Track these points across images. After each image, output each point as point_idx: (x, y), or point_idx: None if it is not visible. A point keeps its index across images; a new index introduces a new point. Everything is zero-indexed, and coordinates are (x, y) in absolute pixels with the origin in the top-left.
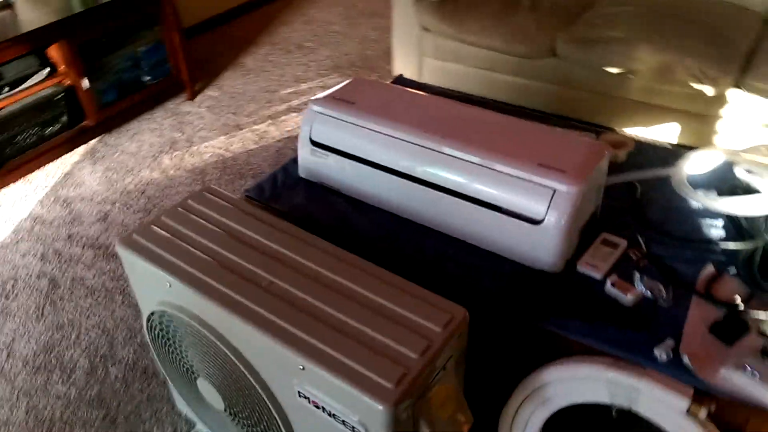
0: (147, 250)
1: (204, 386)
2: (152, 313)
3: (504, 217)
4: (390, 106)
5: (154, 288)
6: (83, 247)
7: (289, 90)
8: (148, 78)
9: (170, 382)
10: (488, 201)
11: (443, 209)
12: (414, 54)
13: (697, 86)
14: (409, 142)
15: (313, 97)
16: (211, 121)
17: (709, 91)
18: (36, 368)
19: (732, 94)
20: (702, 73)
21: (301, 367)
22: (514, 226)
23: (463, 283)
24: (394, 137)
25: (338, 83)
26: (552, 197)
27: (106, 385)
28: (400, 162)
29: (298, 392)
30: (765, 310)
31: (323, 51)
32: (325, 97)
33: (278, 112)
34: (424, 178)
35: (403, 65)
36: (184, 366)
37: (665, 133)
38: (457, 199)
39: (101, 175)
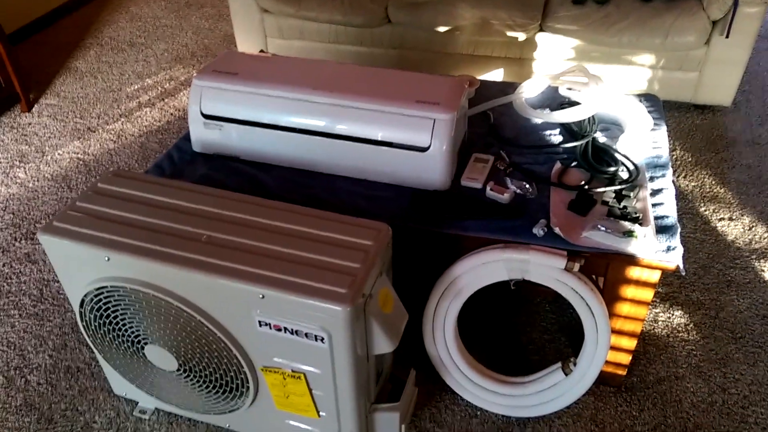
0: (74, 232)
1: (153, 351)
2: (87, 294)
3: (397, 150)
4: (271, 71)
5: (87, 268)
6: None
7: (135, 87)
8: None
9: (106, 367)
10: (380, 140)
11: (343, 155)
12: (257, 36)
13: (511, 34)
14: (300, 100)
15: (195, 74)
16: (57, 128)
17: (521, 36)
18: None
19: (539, 37)
20: (513, 22)
21: (261, 296)
22: (407, 157)
23: (374, 212)
24: (285, 98)
25: (185, 74)
26: (433, 126)
27: (29, 392)
28: (296, 119)
29: (259, 322)
30: (603, 186)
31: (159, 45)
32: (206, 72)
33: (130, 109)
34: (321, 130)
35: (247, 49)
36: (129, 338)
37: (492, 78)
38: (352, 143)
39: None
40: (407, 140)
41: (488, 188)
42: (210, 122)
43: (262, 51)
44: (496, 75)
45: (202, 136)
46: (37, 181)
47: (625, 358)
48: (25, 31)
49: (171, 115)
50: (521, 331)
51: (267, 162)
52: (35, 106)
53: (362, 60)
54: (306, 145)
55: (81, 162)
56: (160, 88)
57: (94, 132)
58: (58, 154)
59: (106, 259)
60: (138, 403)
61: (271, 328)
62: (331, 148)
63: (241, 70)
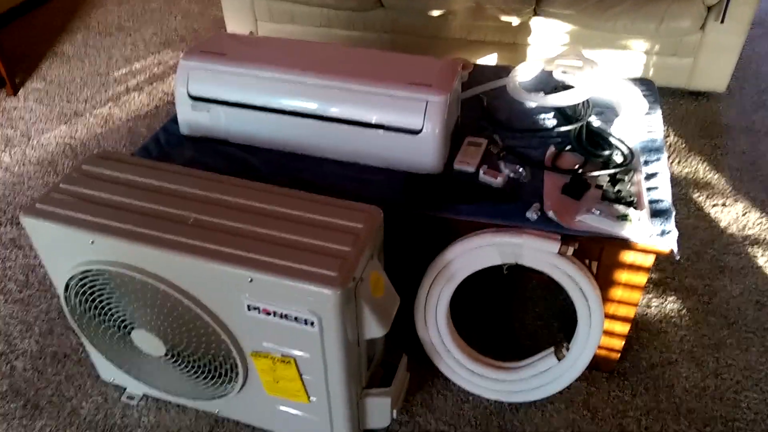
0: (57, 214)
1: (141, 336)
2: (71, 278)
3: (388, 133)
4: (259, 52)
5: (71, 251)
6: None
7: (123, 71)
8: None
9: (94, 352)
10: (372, 122)
11: (333, 137)
12: (248, 20)
13: (504, 18)
14: (290, 81)
15: (182, 54)
16: (44, 112)
17: (515, 21)
18: None
19: (533, 21)
20: (507, 6)
21: (250, 280)
22: (399, 139)
23: (366, 196)
24: (274, 79)
25: (174, 58)
26: (426, 108)
27: (15, 377)
28: (285, 101)
29: (248, 306)
30: (597, 170)
31: (147, 29)
32: (194, 53)
33: (118, 93)
34: (311, 113)
35: (237, 32)
36: (115, 322)
37: (486, 63)
38: (343, 125)
39: None
40: (399, 122)
41: (481, 172)
42: (197, 104)
43: (251, 32)
44: (489, 60)
45: (190, 118)
46: (23, 165)
47: (618, 343)
48: (11, 14)
49: (159, 99)
50: (514, 316)
51: (256, 145)
52: (21, 90)
53: (354, 44)
54: (296, 128)
55: (68, 146)
56: (148, 73)
57: (81, 116)
58: (45, 138)
59: (90, 242)
60: (126, 389)
61: (260, 312)
62: (322, 131)
63: (230, 50)
